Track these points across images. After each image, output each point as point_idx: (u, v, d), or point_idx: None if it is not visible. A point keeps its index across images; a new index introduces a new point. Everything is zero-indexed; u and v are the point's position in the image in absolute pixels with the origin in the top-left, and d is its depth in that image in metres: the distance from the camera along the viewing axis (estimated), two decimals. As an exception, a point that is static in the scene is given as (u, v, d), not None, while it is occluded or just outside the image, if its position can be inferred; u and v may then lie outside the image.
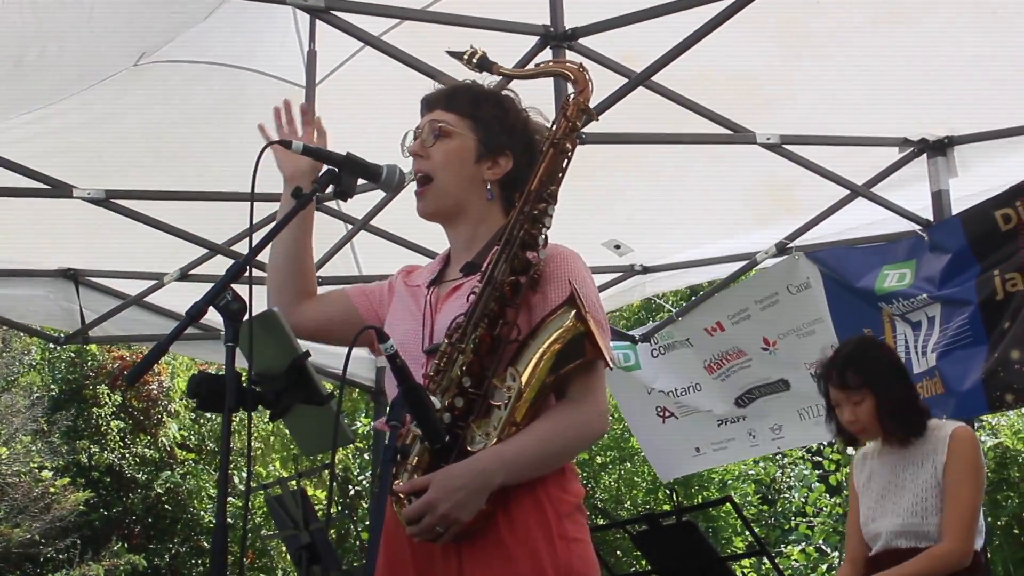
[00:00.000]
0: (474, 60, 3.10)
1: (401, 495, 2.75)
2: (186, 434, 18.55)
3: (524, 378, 2.77)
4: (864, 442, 4.75)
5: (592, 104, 3.07)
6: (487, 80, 3.17)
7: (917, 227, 6.43)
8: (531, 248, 2.88)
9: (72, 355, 17.86)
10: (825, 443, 15.11)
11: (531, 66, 3.38)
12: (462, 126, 3.05)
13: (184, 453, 18.38)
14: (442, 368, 2.81)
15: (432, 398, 2.66)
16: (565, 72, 3.12)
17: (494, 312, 2.81)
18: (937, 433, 4.52)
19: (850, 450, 5.22)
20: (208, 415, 18.40)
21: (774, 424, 7.88)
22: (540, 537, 2.76)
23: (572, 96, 3.05)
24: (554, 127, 3.01)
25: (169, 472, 17.89)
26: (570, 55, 5.12)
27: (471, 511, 2.70)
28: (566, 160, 2.99)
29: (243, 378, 2.50)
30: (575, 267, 2.95)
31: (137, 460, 17.67)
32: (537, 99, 3.25)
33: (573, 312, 2.79)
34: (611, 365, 2.93)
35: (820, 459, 17.38)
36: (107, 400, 17.48)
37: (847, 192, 6.48)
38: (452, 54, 3.15)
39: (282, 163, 3.20)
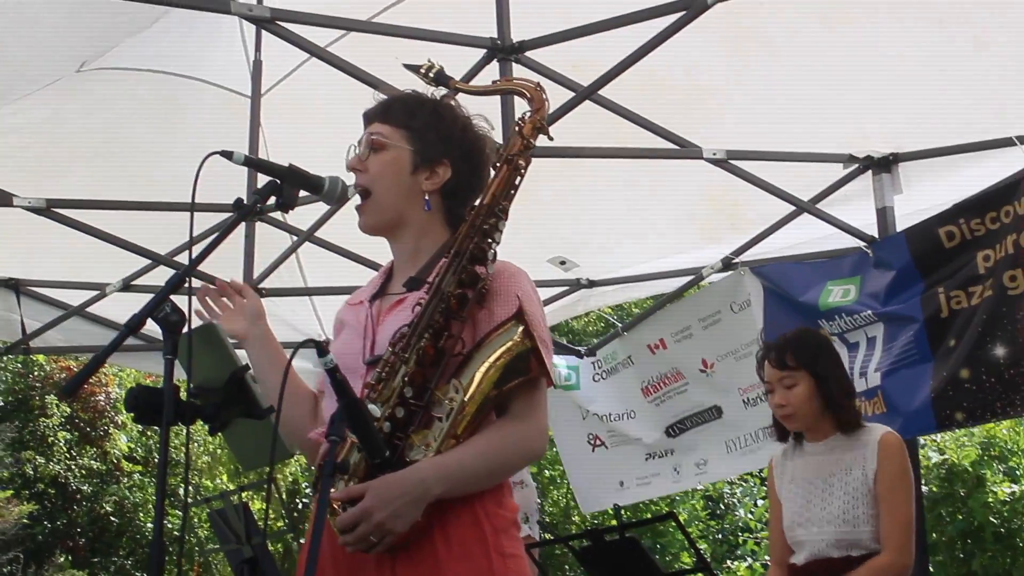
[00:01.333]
0: (430, 74, 3.08)
1: (335, 503, 2.72)
2: (133, 446, 18.42)
3: (467, 391, 2.75)
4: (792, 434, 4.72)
5: (539, 118, 3.07)
6: (431, 90, 3.15)
7: (862, 243, 6.46)
8: (480, 262, 2.86)
9: (19, 365, 17.70)
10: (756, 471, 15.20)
11: (487, 82, 3.36)
12: (396, 137, 3.02)
13: (131, 465, 18.24)
14: (384, 377, 2.78)
15: (372, 407, 2.65)
16: (521, 90, 3.11)
17: (439, 324, 2.78)
18: (865, 437, 4.48)
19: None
20: (156, 428, 18.27)
21: (699, 459, 7.85)
22: (478, 553, 2.74)
23: (529, 114, 3.04)
24: (509, 143, 3.00)
25: (116, 485, 17.76)
26: (517, 68, 5.11)
27: (407, 521, 2.67)
28: (519, 177, 2.97)
29: (182, 391, 2.47)
30: (522, 283, 2.94)
31: (83, 472, 17.54)
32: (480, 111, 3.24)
33: (520, 328, 2.77)
34: (554, 384, 2.91)
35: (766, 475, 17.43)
36: (55, 410, 17.33)
37: (793, 208, 6.50)
38: (408, 67, 3.13)
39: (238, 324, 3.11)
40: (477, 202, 2.96)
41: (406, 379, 2.75)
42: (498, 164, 2.98)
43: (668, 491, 8.62)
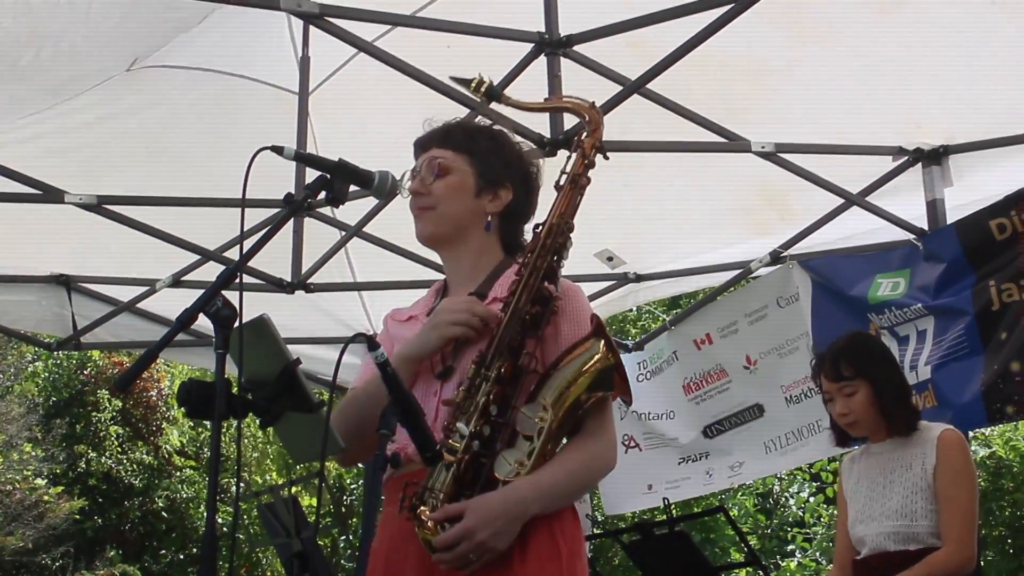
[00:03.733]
0: (481, 89, 3.10)
1: (430, 522, 2.75)
2: (185, 442, 18.52)
3: (554, 409, 2.80)
4: (854, 438, 4.72)
5: (587, 111, 3.09)
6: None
7: (912, 236, 6.41)
8: (552, 280, 2.93)
9: (75, 361, 17.86)
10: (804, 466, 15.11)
11: (541, 100, 3.40)
12: (460, 161, 3.08)
13: (183, 460, 18.35)
14: (468, 394, 2.82)
15: (459, 424, 2.74)
16: (577, 109, 3.15)
17: (516, 342, 2.84)
18: (925, 435, 4.50)
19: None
20: (207, 423, 18.36)
21: (735, 462, 7.79)
22: (553, 571, 2.79)
23: (587, 134, 3.08)
24: (572, 163, 3.05)
25: (167, 480, 17.87)
26: (565, 63, 5.10)
27: (507, 540, 2.73)
28: (581, 196, 3.05)
29: (234, 385, 2.49)
30: (586, 302, 3.04)
31: (135, 467, 17.65)
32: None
33: (602, 343, 2.84)
34: (630, 402, 2.99)
35: (818, 471, 17.35)
36: (107, 405, 17.45)
37: (842, 201, 6.46)
38: (457, 80, 3.15)
39: None
40: (544, 221, 3.02)
41: (490, 396, 2.80)
42: (562, 184, 3.04)
43: (698, 493, 8.55)
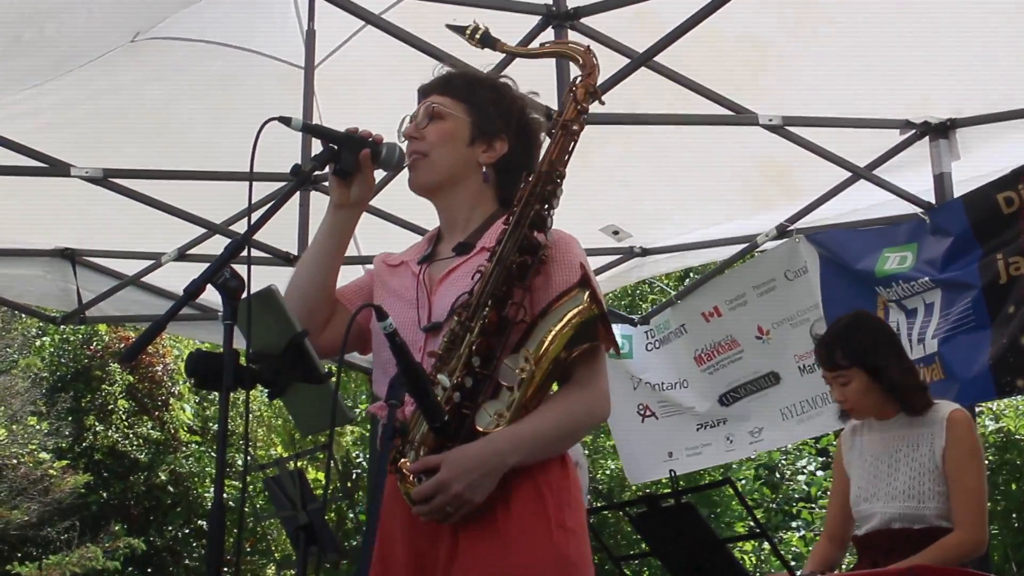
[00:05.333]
0: (476, 36, 3.08)
1: (409, 474, 2.74)
2: (191, 416, 18.55)
3: (537, 359, 2.76)
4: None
5: (594, 85, 3.06)
6: (485, 63, 3.15)
7: (919, 210, 6.40)
8: (540, 229, 2.87)
9: (81, 336, 17.88)
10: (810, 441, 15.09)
11: (535, 45, 3.35)
12: (457, 108, 3.04)
13: (188, 435, 18.38)
14: (449, 347, 2.79)
15: (440, 376, 2.69)
16: (571, 54, 3.11)
17: (502, 292, 2.79)
18: (932, 415, 4.48)
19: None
20: (212, 398, 18.42)
21: (754, 428, 7.82)
22: (539, 526, 2.75)
23: (580, 79, 3.04)
24: (563, 109, 3.00)
25: (173, 455, 17.91)
26: (572, 35, 5.08)
27: (484, 492, 2.70)
28: (573, 143, 2.97)
29: (241, 357, 2.48)
30: (579, 251, 2.96)
31: (141, 441, 17.68)
32: (539, 80, 3.22)
33: (587, 293, 2.78)
34: (618, 350, 2.93)
35: (825, 446, 17.37)
36: (116, 379, 17.48)
37: (849, 174, 6.44)
38: (453, 28, 3.12)
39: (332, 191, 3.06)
40: (535, 170, 2.95)
41: (473, 348, 2.76)
42: (553, 131, 2.98)
43: (720, 461, 8.60)
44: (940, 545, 4.28)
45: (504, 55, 3.13)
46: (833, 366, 4.55)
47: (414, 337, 2.87)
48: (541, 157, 2.96)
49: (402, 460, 2.76)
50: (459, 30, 3.11)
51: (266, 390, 2.57)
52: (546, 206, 2.88)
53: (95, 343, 17.88)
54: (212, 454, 18.28)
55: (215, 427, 18.67)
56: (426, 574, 2.79)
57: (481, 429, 2.74)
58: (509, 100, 3.10)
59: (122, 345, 17.68)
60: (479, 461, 2.69)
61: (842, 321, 4.78)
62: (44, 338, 18.08)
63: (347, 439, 17.71)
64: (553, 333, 2.77)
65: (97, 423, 17.21)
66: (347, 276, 2.97)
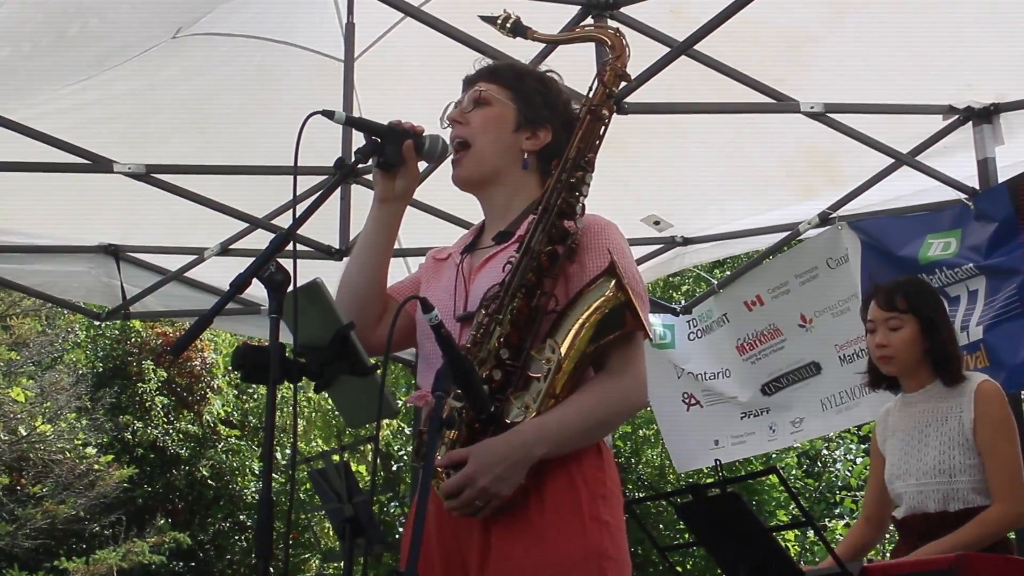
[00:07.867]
0: (507, 25, 3.09)
1: (439, 468, 2.73)
2: (229, 410, 18.61)
3: (563, 349, 2.74)
4: (886, 377, 4.64)
5: (634, 74, 3.05)
6: (525, 54, 3.14)
7: (962, 196, 6.34)
8: (568, 217, 2.86)
9: (116, 332, 17.95)
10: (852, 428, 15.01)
11: (565, 31, 3.35)
12: (503, 95, 3.04)
13: (227, 430, 18.44)
14: (479, 340, 2.78)
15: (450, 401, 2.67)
16: (602, 37, 3.10)
17: (531, 282, 2.78)
18: (960, 387, 4.41)
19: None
20: (251, 392, 18.48)
21: (795, 418, 7.79)
22: (572, 518, 2.73)
23: (609, 62, 3.03)
24: (591, 94, 2.99)
25: (213, 450, 17.97)
26: (612, 24, 5.07)
27: (511, 485, 2.68)
28: (603, 127, 2.97)
29: (287, 350, 2.48)
30: (612, 237, 2.93)
31: (180, 436, 17.75)
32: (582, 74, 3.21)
33: (613, 282, 2.76)
34: (650, 336, 2.90)
35: (867, 434, 17.29)
36: (152, 375, 17.56)
37: (891, 161, 6.40)
38: (485, 19, 3.13)
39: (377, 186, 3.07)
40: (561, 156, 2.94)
41: (501, 340, 2.75)
42: (581, 116, 2.97)
43: (764, 450, 8.58)
44: (980, 520, 4.20)
45: (543, 45, 3.13)
46: (891, 307, 4.48)
47: (449, 327, 2.87)
48: (568, 144, 2.95)
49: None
50: (491, 20, 3.11)
51: (313, 383, 2.58)
52: (576, 193, 2.87)
53: (133, 338, 17.95)
54: (252, 448, 18.35)
55: (254, 420, 18.73)
56: (460, 568, 2.80)
57: (509, 421, 2.73)
58: (555, 92, 3.10)
59: (159, 341, 17.75)
60: (504, 454, 2.67)
61: (904, 277, 4.75)
62: (80, 333, 18.14)
63: (385, 432, 17.75)
64: (580, 321, 2.75)
65: (135, 420, 17.28)
66: (389, 268, 3.00)
